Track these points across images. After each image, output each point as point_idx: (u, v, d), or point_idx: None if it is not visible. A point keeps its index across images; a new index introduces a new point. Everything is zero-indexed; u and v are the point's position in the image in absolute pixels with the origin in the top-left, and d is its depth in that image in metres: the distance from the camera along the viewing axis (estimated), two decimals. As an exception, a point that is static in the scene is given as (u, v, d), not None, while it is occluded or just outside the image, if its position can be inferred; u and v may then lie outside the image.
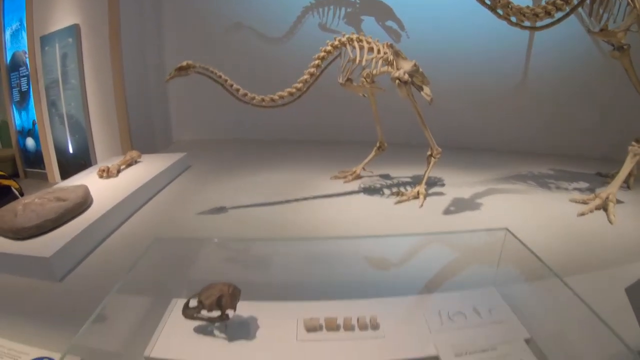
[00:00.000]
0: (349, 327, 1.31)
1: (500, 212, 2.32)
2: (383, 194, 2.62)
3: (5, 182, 3.01)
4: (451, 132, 3.31)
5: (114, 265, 1.81)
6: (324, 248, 1.83)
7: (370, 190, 2.67)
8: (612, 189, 2.19)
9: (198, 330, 1.31)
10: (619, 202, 2.23)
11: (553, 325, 1.36)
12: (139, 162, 3.03)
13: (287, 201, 2.53)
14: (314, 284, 1.60)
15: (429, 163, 2.41)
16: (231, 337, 1.29)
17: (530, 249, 1.45)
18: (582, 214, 2.18)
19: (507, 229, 1.58)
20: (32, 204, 1.85)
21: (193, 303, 1.30)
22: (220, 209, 2.41)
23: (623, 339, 1.09)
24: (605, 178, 2.72)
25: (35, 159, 4.40)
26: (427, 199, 2.44)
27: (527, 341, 1.26)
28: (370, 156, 2.84)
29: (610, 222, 2.07)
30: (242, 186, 2.84)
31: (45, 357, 1.26)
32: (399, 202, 2.44)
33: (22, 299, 1.60)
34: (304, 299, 1.46)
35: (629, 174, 2.32)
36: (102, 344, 1.34)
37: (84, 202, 2.05)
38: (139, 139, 3.82)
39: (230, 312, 1.28)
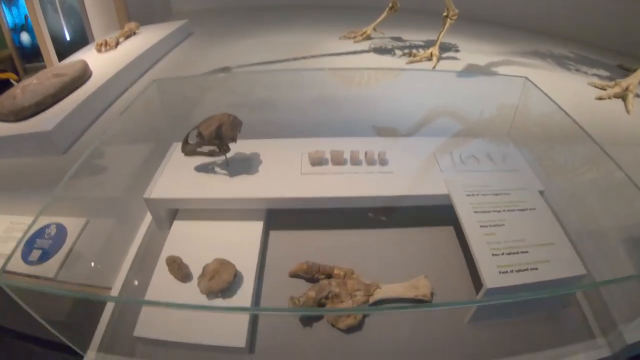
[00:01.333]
0: (356, 161, 1.19)
1: (517, 82, 2.14)
2: (394, 54, 2.39)
3: (3, 75, 2.87)
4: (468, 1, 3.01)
5: (127, 129, 1.67)
6: (329, 84, 1.68)
7: (381, 51, 2.45)
8: (634, 80, 2.02)
9: (199, 169, 1.20)
10: (637, 96, 2.05)
11: (568, 180, 1.26)
12: (138, 33, 2.80)
13: (295, 59, 2.32)
14: (320, 121, 1.46)
15: (444, 24, 2.16)
16: (233, 173, 1.18)
17: (552, 99, 1.30)
18: (600, 98, 2.03)
19: (527, 78, 1.42)
20: (30, 85, 1.75)
21: (193, 139, 1.17)
22: (224, 69, 2.20)
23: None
24: (627, 72, 2.49)
25: (32, 54, 4.04)
26: (440, 62, 2.23)
27: (541, 193, 1.16)
28: (382, 16, 2.56)
29: (627, 111, 1.92)
30: (247, 49, 2.61)
31: (54, 223, 1.23)
32: (411, 62, 2.23)
33: (29, 176, 1.54)
34: (309, 136, 1.33)
35: None
36: (99, 192, 1.32)
37: (82, 75, 1.93)
38: (136, 12, 3.42)
39: (231, 144, 1.15)
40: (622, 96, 2.03)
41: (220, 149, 1.13)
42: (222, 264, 1.03)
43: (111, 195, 1.32)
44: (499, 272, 0.94)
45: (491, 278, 0.93)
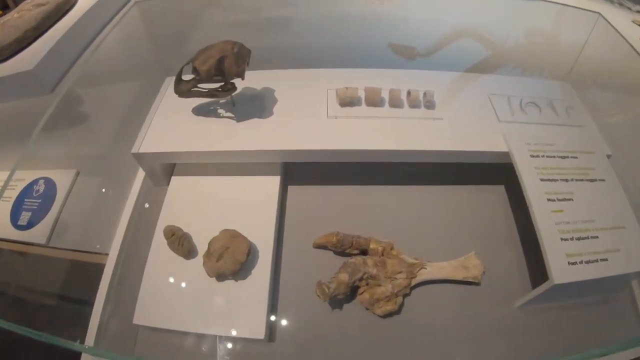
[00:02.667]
0: (396, 102, 0.90)
1: (586, 17, 1.77)
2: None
3: None
4: None
5: (107, 65, 1.31)
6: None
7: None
8: None
9: (198, 111, 0.90)
10: None
11: (635, 143, 1.03)
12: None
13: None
14: (350, 46, 1.12)
15: None
16: (240, 117, 0.88)
17: (631, 44, 1.01)
18: None
19: (600, 14, 1.11)
20: (11, 19, 1.43)
21: (188, 75, 0.85)
22: None
23: None
24: None
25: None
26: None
27: (608, 158, 0.92)
28: None
29: None
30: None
31: (42, 178, 1.03)
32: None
33: (16, 123, 1.27)
34: (337, 66, 1.00)
35: None
36: (86, 140, 1.09)
37: (66, 1, 1.53)
38: None
39: (236, 81, 0.84)
40: None
41: (223, 89, 0.82)
42: (232, 238, 0.79)
43: (100, 143, 1.07)
44: (568, 263, 0.76)
45: (559, 271, 0.74)
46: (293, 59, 1.06)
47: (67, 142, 1.03)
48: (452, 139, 0.87)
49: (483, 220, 0.91)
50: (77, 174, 1.01)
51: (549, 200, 0.82)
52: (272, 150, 0.83)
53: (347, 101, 0.88)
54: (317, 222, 0.85)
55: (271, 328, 0.77)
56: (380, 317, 0.79)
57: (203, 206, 0.85)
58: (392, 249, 0.82)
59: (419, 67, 1.03)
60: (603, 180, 0.88)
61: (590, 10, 1.12)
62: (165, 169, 0.91)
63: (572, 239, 0.79)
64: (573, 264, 0.76)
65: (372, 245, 0.82)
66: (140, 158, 0.84)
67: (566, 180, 0.86)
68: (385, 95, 0.90)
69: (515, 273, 0.87)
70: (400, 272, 0.79)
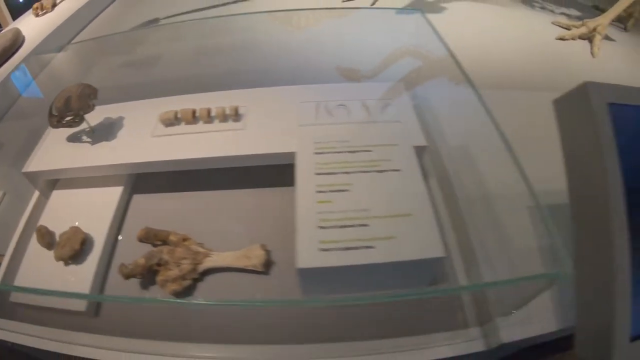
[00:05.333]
0: (206, 119, 0.97)
1: (469, 17, 1.66)
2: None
3: None
4: None
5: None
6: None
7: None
8: (603, 20, 1.52)
9: (71, 139, 1.06)
10: (610, 40, 1.56)
11: (452, 134, 0.93)
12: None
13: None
14: (182, 77, 1.24)
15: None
16: (95, 140, 1.03)
17: (442, 39, 0.91)
18: (562, 39, 1.56)
19: (422, 11, 1.03)
20: None
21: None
22: (153, 22, 1.87)
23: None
24: (602, 13, 1.84)
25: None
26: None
27: (421, 149, 0.87)
28: None
29: (592, 54, 1.48)
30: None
31: None
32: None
33: None
34: (167, 94, 1.11)
35: (629, 14, 1.63)
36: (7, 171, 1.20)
37: (12, 45, 1.61)
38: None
39: (86, 114, 0.99)
40: (589, 37, 1.55)
41: (73, 120, 0.99)
42: (74, 232, 0.93)
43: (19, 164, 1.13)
44: (319, 249, 0.73)
45: (306, 256, 0.72)
46: (136, 92, 1.17)
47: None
48: (248, 144, 0.90)
49: (282, 218, 0.91)
50: (4, 195, 1.12)
51: (318, 192, 0.80)
52: (109, 165, 0.96)
53: (168, 122, 0.98)
54: (149, 222, 0.94)
55: (97, 305, 0.87)
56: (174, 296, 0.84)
57: (67, 213, 0.99)
58: (184, 240, 0.87)
59: (238, 86, 1.08)
60: (398, 170, 0.82)
61: (412, 9, 1.04)
62: (49, 184, 1.06)
63: (332, 227, 0.75)
64: (325, 250, 0.73)
65: (170, 237, 0.88)
66: (28, 176, 1.01)
67: (347, 173, 0.82)
68: (198, 113, 0.98)
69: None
70: (185, 258, 0.84)
